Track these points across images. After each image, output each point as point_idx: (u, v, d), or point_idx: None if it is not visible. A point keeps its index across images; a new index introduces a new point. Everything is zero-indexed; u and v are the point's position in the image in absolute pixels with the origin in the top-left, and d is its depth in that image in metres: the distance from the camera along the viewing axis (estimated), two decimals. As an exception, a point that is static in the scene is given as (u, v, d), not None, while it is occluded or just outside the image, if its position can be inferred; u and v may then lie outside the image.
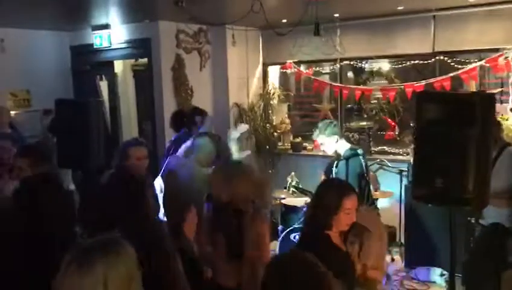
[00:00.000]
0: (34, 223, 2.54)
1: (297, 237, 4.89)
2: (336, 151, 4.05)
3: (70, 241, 2.50)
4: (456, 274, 2.95)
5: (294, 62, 6.98)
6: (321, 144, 4.17)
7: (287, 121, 7.42)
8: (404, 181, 5.35)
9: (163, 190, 4.05)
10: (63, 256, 1.51)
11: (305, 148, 7.18)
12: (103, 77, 7.15)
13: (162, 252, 2.00)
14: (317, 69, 7.15)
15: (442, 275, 4.82)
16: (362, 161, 3.77)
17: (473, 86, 5.86)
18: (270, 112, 7.37)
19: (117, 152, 3.53)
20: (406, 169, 5.34)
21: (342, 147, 4.07)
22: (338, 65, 6.75)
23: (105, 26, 6.48)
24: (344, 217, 2.44)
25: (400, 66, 6.42)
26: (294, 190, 4.99)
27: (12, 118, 5.94)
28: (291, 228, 4.93)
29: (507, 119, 5.26)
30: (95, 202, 3.25)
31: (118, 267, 1.49)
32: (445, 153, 2.58)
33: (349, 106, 7.06)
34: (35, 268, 2.29)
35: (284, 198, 5.35)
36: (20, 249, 2.43)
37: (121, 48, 6.59)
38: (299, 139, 7.30)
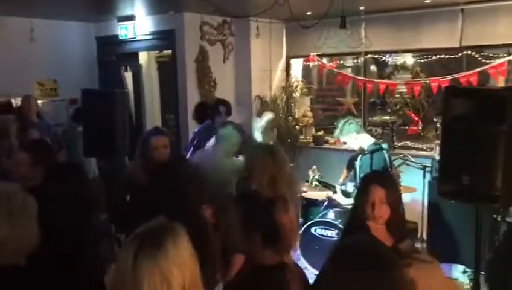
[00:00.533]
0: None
1: (317, 230, 4.90)
2: (360, 147, 4.03)
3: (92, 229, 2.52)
4: (481, 272, 2.91)
5: (317, 55, 6.94)
6: (344, 143, 4.20)
7: (309, 114, 7.39)
8: (428, 177, 5.29)
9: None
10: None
11: (327, 141, 7.15)
12: (128, 67, 7.22)
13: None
14: (341, 62, 7.10)
15: (464, 272, 4.77)
16: (386, 155, 3.75)
17: (501, 82, 5.74)
18: (292, 105, 7.35)
19: (139, 142, 3.54)
20: (430, 165, 5.27)
21: (366, 141, 4.05)
22: (362, 58, 6.69)
23: (131, 18, 6.54)
24: (376, 208, 2.39)
25: (426, 60, 6.33)
26: (317, 183, 4.98)
27: (40, 108, 6.07)
28: (312, 221, 4.92)
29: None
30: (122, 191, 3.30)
31: (186, 247, 1.51)
32: (473, 149, 2.55)
33: (372, 100, 7.00)
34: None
35: (305, 191, 5.35)
36: None
37: (145, 40, 6.65)
38: (321, 133, 7.28)
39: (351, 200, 4.24)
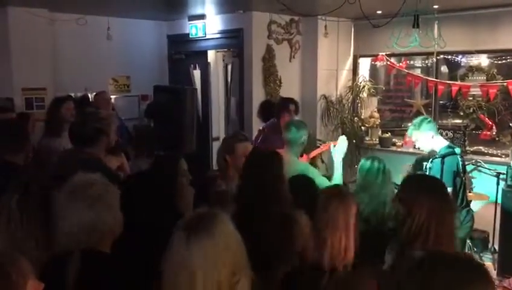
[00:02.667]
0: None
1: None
2: (432, 149, 3.89)
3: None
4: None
5: (386, 55, 6.77)
6: (415, 140, 4.03)
7: (376, 115, 7.22)
8: (502, 184, 5.03)
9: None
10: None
11: (394, 144, 6.97)
12: (197, 65, 7.40)
13: None
14: (410, 62, 6.88)
15: (539, 287, 4.49)
16: (459, 160, 3.59)
17: None
18: (358, 105, 7.23)
19: (223, 144, 3.48)
20: (505, 172, 5.01)
21: (439, 144, 3.90)
22: (434, 59, 6.45)
23: (201, 17, 6.70)
24: None
25: (503, 61, 6.00)
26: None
27: (113, 103, 6.36)
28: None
29: None
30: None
31: (233, 233, 1.62)
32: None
33: (443, 102, 6.73)
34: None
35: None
36: None
37: (214, 38, 6.79)
38: (387, 135, 7.10)
39: None
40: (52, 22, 6.12)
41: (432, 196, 2.19)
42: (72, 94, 6.01)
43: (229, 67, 7.29)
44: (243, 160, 3.10)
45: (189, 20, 6.87)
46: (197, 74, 7.35)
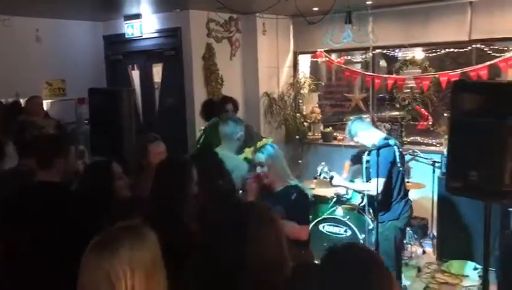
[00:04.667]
0: None
1: (326, 227, 4.87)
2: (373, 143, 4.00)
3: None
4: (490, 268, 2.87)
5: (325, 51, 6.89)
6: (357, 141, 4.17)
7: (318, 110, 7.34)
8: (437, 172, 5.24)
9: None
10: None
11: (335, 138, 7.11)
12: (135, 66, 7.23)
13: None
14: (349, 58, 7.04)
15: (475, 268, 4.72)
16: (396, 150, 3.68)
17: (511, 75, 5.66)
18: (300, 101, 7.31)
19: (136, 148, 3.54)
20: (439, 160, 5.22)
21: (376, 137, 4.02)
22: (370, 54, 6.63)
23: (137, 16, 6.55)
24: None
25: (434, 54, 6.25)
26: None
27: (48, 107, 6.11)
28: (320, 218, 4.90)
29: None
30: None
31: (143, 252, 1.51)
32: (481, 144, 2.51)
33: (381, 95, 6.94)
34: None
35: (313, 188, 5.32)
36: None
37: (152, 38, 6.65)
38: (329, 129, 7.23)
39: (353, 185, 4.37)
40: (-25, 24, 5.79)
41: None
42: (3, 100, 5.73)
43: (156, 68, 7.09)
44: (157, 160, 3.17)
45: (125, 20, 6.70)
46: (135, 74, 7.18)
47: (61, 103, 6.75)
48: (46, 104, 6.25)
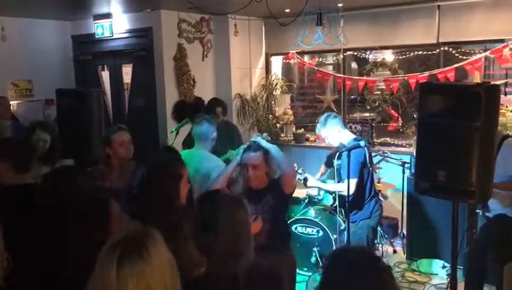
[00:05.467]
0: None
1: (298, 228, 4.89)
2: (340, 143, 4.03)
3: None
4: (458, 266, 2.93)
5: (297, 52, 6.92)
6: (324, 137, 4.17)
7: (290, 112, 7.38)
8: (407, 173, 5.32)
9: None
10: None
11: (307, 139, 7.15)
12: (105, 66, 7.11)
13: None
14: (321, 59, 7.10)
15: (444, 267, 4.82)
16: (366, 151, 3.74)
17: (477, 77, 5.80)
18: (272, 102, 7.33)
19: (100, 140, 3.56)
20: (409, 161, 5.31)
21: (346, 137, 4.05)
22: (341, 56, 6.70)
23: (107, 16, 6.45)
24: None
25: (404, 56, 6.36)
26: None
27: (14, 109, 5.94)
28: (292, 219, 4.91)
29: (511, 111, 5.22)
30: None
31: (166, 253, 1.52)
32: (448, 145, 2.55)
33: (352, 97, 7.02)
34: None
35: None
36: None
37: (122, 38, 6.56)
38: (301, 131, 7.27)
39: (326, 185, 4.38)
40: None
41: None
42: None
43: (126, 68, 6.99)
44: (122, 150, 3.40)
45: (94, 20, 6.58)
46: (105, 75, 7.07)
47: (28, 104, 6.58)
48: (12, 105, 6.08)
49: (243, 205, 2.07)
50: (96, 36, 6.62)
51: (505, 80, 5.62)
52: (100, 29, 6.57)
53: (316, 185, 4.39)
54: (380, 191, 4.99)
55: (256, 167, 3.14)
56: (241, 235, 1.98)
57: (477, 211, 4.25)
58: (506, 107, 5.21)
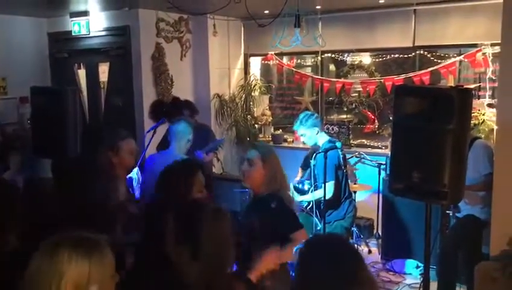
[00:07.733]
0: None
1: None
2: (315, 144, 4.07)
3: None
4: (431, 266, 2.98)
5: (276, 54, 6.95)
6: (302, 135, 4.18)
7: (268, 113, 7.39)
8: (383, 174, 5.39)
9: (140, 181, 4.01)
10: None
11: (285, 140, 7.18)
12: (81, 64, 7.01)
13: None
14: (299, 61, 7.14)
15: (417, 267, 4.90)
16: (340, 153, 3.79)
17: (451, 81, 5.92)
18: (251, 103, 7.33)
19: (105, 144, 3.31)
20: (385, 162, 5.38)
21: (322, 139, 4.09)
22: (319, 57, 6.75)
23: (84, 13, 6.36)
24: None
25: (381, 59, 6.45)
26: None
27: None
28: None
29: (484, 114, 5.33)
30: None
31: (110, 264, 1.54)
32: (422, 147, 2.59)
33: (330, 98, 7.08)
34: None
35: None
36: None
37: (99, 36, 6.48)
38: (279, 131, 7.30)
39: (305, 197, 4.27)
40: None
41: None
42: None
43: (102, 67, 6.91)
44: (130, 159, 3.03)
45: (71, 17, 6.49)
46: (82, 73, 6.97)
47: (1, 102, 6.44)
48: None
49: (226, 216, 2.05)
50: (73, 34, 6.53)
51: (478, 84, 5.75)
52: (77, 26, 6.47)
53: (304, 199, 4.25)
54: (355, 192, 5.06)
55: (253, 164, 2.98)
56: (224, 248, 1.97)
57: (448, 211, 4.35)
58: (479, 110, 5.32)
